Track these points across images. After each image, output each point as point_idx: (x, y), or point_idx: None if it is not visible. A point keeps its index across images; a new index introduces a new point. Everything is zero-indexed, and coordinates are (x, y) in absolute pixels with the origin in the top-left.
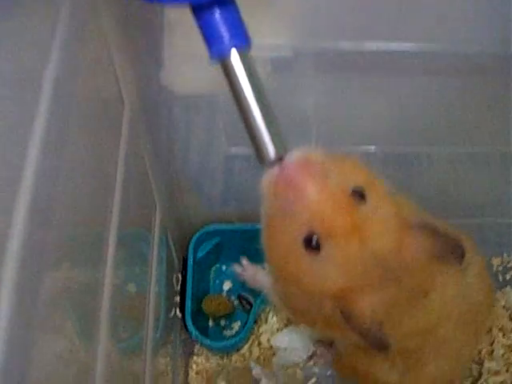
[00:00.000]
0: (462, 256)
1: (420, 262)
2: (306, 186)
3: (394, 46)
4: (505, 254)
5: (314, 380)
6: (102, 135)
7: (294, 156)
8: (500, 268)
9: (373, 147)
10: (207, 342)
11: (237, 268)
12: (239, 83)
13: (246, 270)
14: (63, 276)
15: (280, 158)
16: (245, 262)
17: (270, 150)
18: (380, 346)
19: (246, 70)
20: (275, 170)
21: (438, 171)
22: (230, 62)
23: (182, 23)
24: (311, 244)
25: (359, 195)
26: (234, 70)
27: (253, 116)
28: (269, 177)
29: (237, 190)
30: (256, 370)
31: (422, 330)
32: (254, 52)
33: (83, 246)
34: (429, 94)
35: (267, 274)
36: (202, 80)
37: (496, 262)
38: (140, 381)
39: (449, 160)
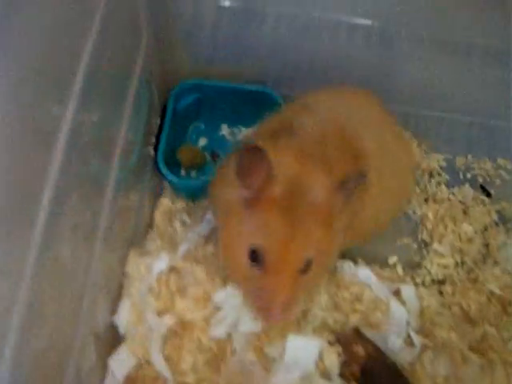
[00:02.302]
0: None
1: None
2: None
3: None
4: (470, 155)
5: None
6: None
7: None
8: (462, 167)
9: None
10: (175, 179)
11: None
12: None
13: None
14: None
15: None
16: None
17: None
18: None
19: None
20: None
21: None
22: None
23: None
24: None
25: None
26: None
27: None
28: None
29: (224, 45)
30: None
31: None
32: None
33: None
34: None
35: None
36: None
37: (460, 161)
38: (103, 213)
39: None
